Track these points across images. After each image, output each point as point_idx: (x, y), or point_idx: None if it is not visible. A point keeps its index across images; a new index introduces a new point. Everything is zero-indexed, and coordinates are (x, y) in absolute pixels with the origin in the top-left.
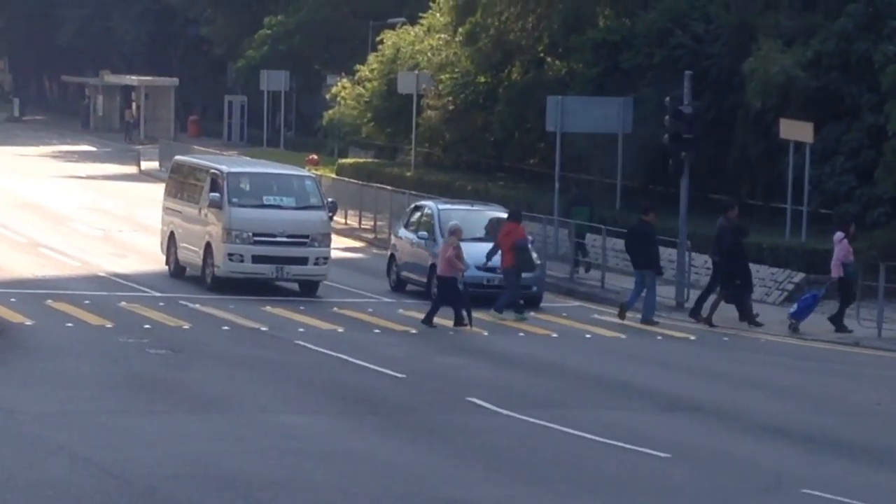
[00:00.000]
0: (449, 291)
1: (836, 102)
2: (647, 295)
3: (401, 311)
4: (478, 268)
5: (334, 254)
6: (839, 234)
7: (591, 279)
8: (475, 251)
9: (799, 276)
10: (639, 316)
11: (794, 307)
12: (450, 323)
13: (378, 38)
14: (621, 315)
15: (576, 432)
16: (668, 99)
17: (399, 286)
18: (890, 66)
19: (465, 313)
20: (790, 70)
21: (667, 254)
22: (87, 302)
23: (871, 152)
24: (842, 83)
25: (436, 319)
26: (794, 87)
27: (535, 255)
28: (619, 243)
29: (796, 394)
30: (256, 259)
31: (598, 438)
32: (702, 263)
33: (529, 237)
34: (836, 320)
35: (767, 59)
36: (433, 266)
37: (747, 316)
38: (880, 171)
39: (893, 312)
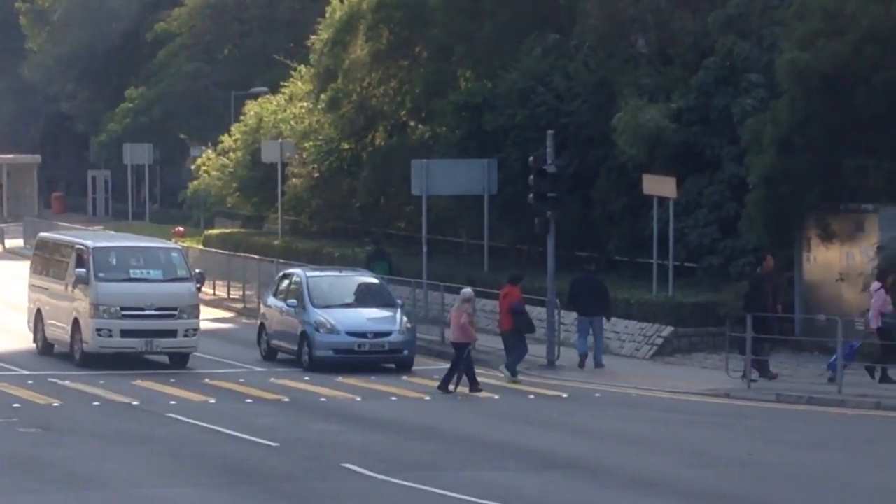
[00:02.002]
0: (463, 355)
1: (698, 156)
2: (597, 340)
3: (272, 379)
4: (348, 333)
5: (204, 325)
6: (876, 284)
7: None
8: (344, 317)
9: (667, 330)
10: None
11: (832, 358)
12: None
13: (241, 109)
14: (582, 365)
15: (451, 494)
16: (531, 158)
17: (270, 355)
18: (748, 119)
19: (456, 378)
20: (659, 121)
21: (536, 312)
22: None
23: (733, 204)
24: (703, 136)
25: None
26: (663, 138)
27: (404, 319)
28: (489, 304)
29: (670, 447)
30: (125, 333)
31: (473, 499)
32: (571, 321)
33: (399, 300)
34: (884, 376)
35: (636, 111)
36: (303, 333)
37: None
38: (743, 223)
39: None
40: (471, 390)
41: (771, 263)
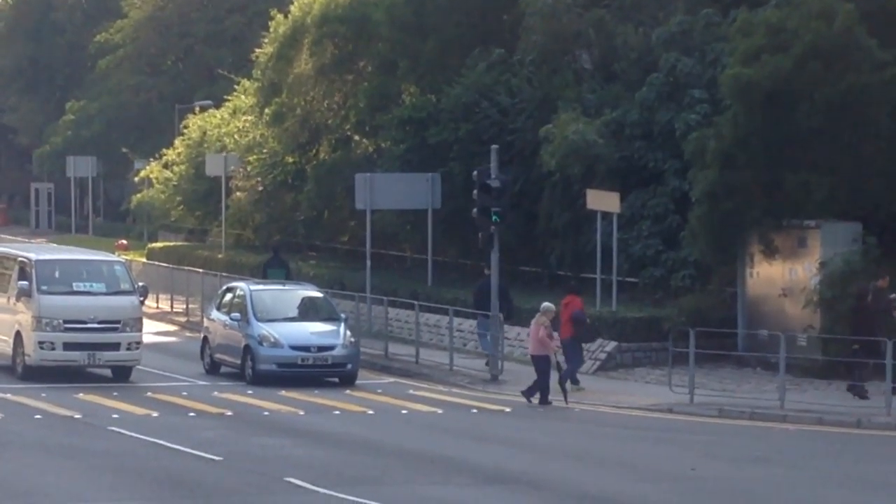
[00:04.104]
0: (546, 368)
1: (641, 170)
2: (496, 345)
3: (216, 393)
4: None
5: (147, 338)
6: None
7: (406, 354)
8: (287, 331)
9: (611, 345)
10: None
11: None
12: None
13: (183, 122)
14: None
15: None
16: (475, 173)
17: (213, 368)
18: (692, 134)
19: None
20: (587, 135)
21: None
22: None
23: (675, 217)
24: (646, 151)
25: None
26: (592, 152)
27: (348, 333)
28: (433, 318)
29: (613, 462)
30: (68, 346)
31: None
32: (514, 336)
33: (343, 314)
34: None
35: (565, 124)
36: (247, 347)
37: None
38: (686, 238)
39: (704, 377)
40: (540, 402)
41: (881, 283)
